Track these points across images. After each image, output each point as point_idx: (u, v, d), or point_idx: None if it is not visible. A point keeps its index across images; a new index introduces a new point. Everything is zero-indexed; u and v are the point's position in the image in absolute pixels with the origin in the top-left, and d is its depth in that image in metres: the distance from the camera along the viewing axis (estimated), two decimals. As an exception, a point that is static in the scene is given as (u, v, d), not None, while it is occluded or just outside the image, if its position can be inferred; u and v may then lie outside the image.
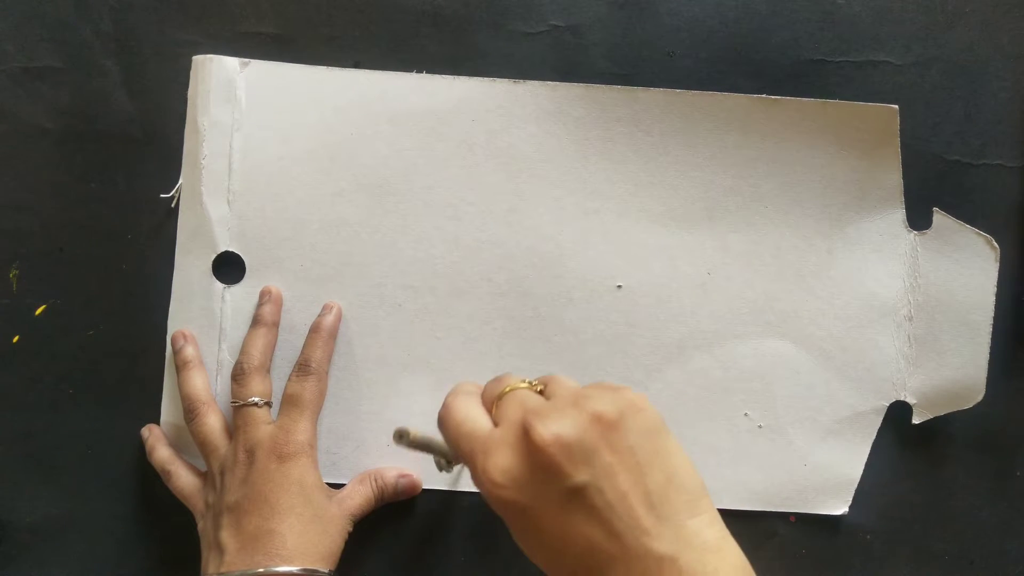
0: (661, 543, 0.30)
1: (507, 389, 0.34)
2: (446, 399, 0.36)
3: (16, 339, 0.47)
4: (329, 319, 0.45)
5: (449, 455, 0.37)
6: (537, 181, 0.47)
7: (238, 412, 0.43)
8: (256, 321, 0.45)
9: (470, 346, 0.46)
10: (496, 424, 0.33)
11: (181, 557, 0.46)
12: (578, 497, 0.30)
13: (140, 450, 0.46)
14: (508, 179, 0.47)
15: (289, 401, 0.43)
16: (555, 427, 0.31)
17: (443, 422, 0.35)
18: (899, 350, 0.46)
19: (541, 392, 0.35)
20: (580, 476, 0.30)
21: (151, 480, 0.46)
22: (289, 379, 0.44)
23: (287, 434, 0.42)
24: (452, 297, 0.46)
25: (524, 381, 0.35)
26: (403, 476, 0.45)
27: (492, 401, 0.35)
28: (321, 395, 0.44)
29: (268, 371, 0.45)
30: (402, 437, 0.35)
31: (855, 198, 0.47)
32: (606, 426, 0.31)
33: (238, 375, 0.44)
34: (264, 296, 0.46)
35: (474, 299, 0.46)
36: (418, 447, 0.37)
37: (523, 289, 0.46)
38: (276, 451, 0.41)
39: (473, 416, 0.34)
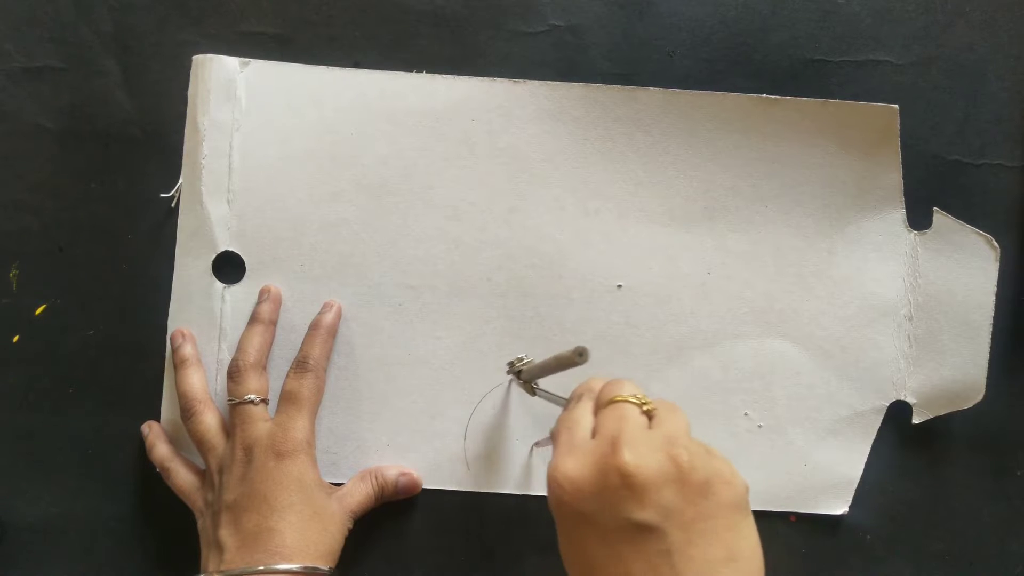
0: None
1: (616, 398, 0.35)
2: (574, 396, 0.37)
3: (16, 339, 0.47)
4: (329, 317, 0.45)
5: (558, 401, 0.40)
6: (537, 181, 0.47)
7: (235, 410, 0.43)
8: (253, 319, 0.45)
9: (470, 346, 0.46)
10: (595, 432, 0.34)
11: (181, 557, 0.46)
12: (638, 533, 0.31)
13: (140, 450, 0.46)
14: (508, 179, 0.47)
15: (287, 398, 0.43)
16: (641, 460, 0.31)
17: (564, 415, 0.36)
18: (899, 350, 0.46)
19: (648, 413, 0.34)
20: (648, 515, 0.31)
21: (151, 480, 0.46)
22: (287, 376, 0.44)
23: (285, 432, 0.42)
24: (452, 297, 0.46)
25: (637, 396, 0.35)
26: (403, 474, 0.45)
27: (601, 406, 0.35)
28: (319, 392, 0.44)
29: (264, 369, 0.45)
30: (519, 372, 0.39)
31: (855, 198, 0.47)
32: (691, 485, 0.31)
33: (234, 373, 0.44)
34: (263, 294, 0.46)
35: (474, 299, 0.46)
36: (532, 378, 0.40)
37: (523, 289, 0.46)
38: (274, 449, 0.41)
39: (578, 418, 0.35)
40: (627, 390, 0.35)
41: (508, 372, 0.43)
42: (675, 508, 0.31)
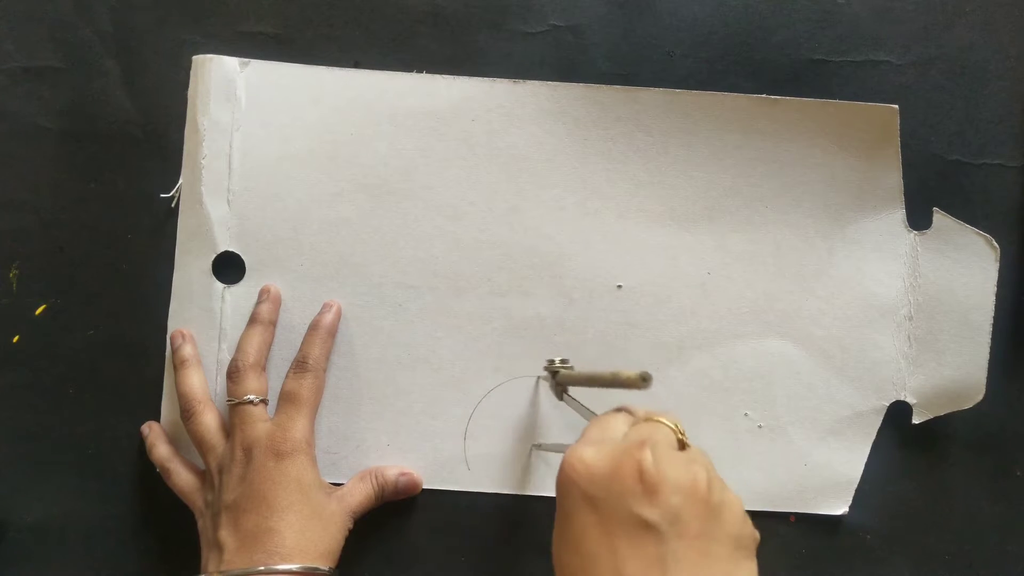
0: None
1: (657, 419, 0.35)
2: (614, 409, 0.37)
3: (16, 339, 0.47)
4: (328, 317, 0.45)
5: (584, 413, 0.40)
6: (537, 181, 0.47)
7: (234, 410, 0.43)
8: (252, 319, 0.45)
9: (470, 346, 0.46)
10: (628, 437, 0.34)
11: (181, 557, 0.46)
12: (640, 530, 0.31)
13: (140, 450, 0.46)
14: (508, 179, 0.47)
15: (286, 398, 0.43)
16: (661, 463, 0.31)
17: (601, 417, 0.36)
18: (899, 350, 0.46)
19: (681, 442, 0.35)
20: (654, 514, 0.31)
21: (151, 480, 0.46)
22: (286, 376, 0.44)
23: (284, 432, 0.42)
24: (452, 297, 0.46)
25: (676, 424, 0.35)
26: (404, 474, 0.45)
27: (639, 419, 0.35)
28: (319, 392, 0.44)
29: (264, 369, 0.45)
30: (555, 375, 0.39)
31: (855, 198, 0.47)
32: (704, 504, 0.31)
33: (233, 373, 0.44)
34: (262, 295, 0.46)
35: (474, 299, 0.46)
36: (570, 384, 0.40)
37: (523, 289, 0.46)
38: (273, 449, 0.41)
39: (613, 422, 0.35)
40: (669, 417, 0.35)
41: (545, 369, 0.42)
42: (682, 517, 0.31)
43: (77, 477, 0.47)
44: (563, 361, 0.42)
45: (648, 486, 0.31)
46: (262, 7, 0.47)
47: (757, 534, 0.33)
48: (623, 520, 0.31)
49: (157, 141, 0.47)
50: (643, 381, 0.34)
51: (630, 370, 0.35)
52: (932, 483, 0.47)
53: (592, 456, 0.32)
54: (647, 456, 0.31)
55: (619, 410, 0.36)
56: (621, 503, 0.31)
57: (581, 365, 0.46)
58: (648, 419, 0.35)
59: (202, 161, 0.46)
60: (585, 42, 0.47)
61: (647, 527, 0.30)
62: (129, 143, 0.47)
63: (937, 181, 0.47)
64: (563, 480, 0.33)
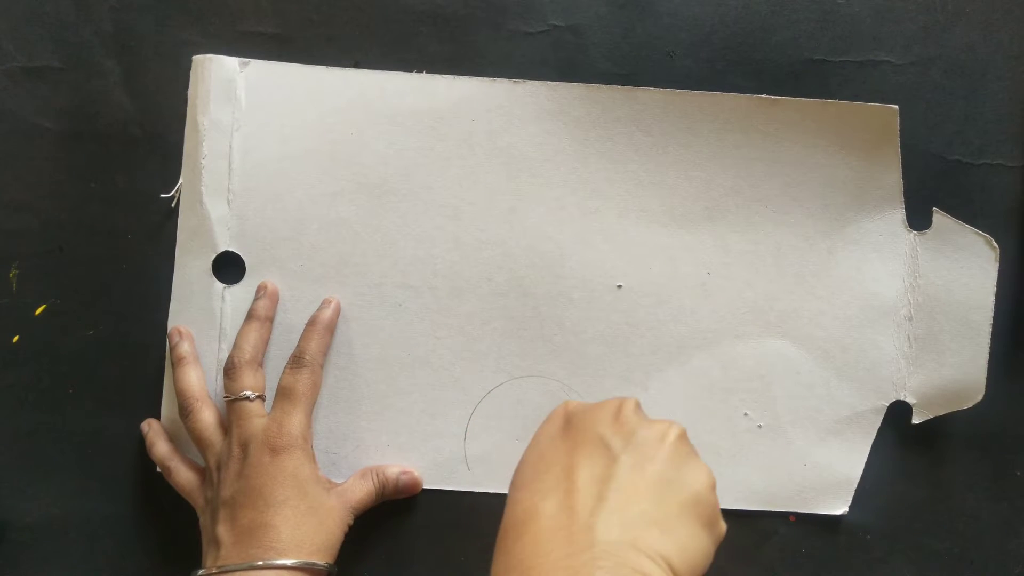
0: (601, 535, 0.30)
1: (629, 399, 0.37)
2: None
3: (16, 339, 0.47)
4: (327, 313, 0.45)
5: None
6: (537, 181, 0.47)
7: (231, 407, 0.43)
8: (249, 316, 0.45)
9: (470, 346, 0.46)
10: None
11: (181, 556, 0.46)
12: (598, 447, 0.33)
13: (140, 450, 0.46)
14: (508, 179, 0.47)
15: (282, 394, 0.43)
16: (639, 410, 0.35)
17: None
18: (899, 350, 0.46)
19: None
20: (613, 439, 0.33)
21: (151, 479, 0.46)
22: (283, 372, 0.44)
23: (280, 427, 0.42)
24: (452, 297, 0.46)
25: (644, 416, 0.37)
26: (404, 473, 0.45)
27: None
28: (315, 388, 0.44)
29: (261, 365, 0.45)
30: None
31: (855, 198, 0.47)
32: (664, 448, 0.33)
33: (229, 369, 0.44)
34: (260, 291, 0.46)
35: (474, 299, 0.46)
36: None
37: (523, 289, 0.46)
38: (269, 444, 0.41)
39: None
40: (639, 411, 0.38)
41: None
42: (639, 448, 0.33)
43: (77, 477, 0.47)
44: None
45: (619, 418, 0.34)
46: (262, 7, 0.47)
47: (723, 525, 0.34)
48: (587, 437, 0.34)
49: (157, 141, 0.47)
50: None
51: None
52: (932, 483, 0.47)
53: (572, 405, 0.36)
54: (629, 403, 0.35)
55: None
56: (592, 425, 0.34)
57: (582, 365, 0.46)
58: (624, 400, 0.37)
59: (202, 161, 0.46)
60: (585, 42, 0.47)
61: (606, 447, 0.33)
62: (129, 143, 0.47)
63: (937, 181, 0.47)
64: (554, 411, 0.36)
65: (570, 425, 0.35)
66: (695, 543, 0.32)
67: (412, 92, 0.46)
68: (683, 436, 0.34)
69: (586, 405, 0.36)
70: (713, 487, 0.34)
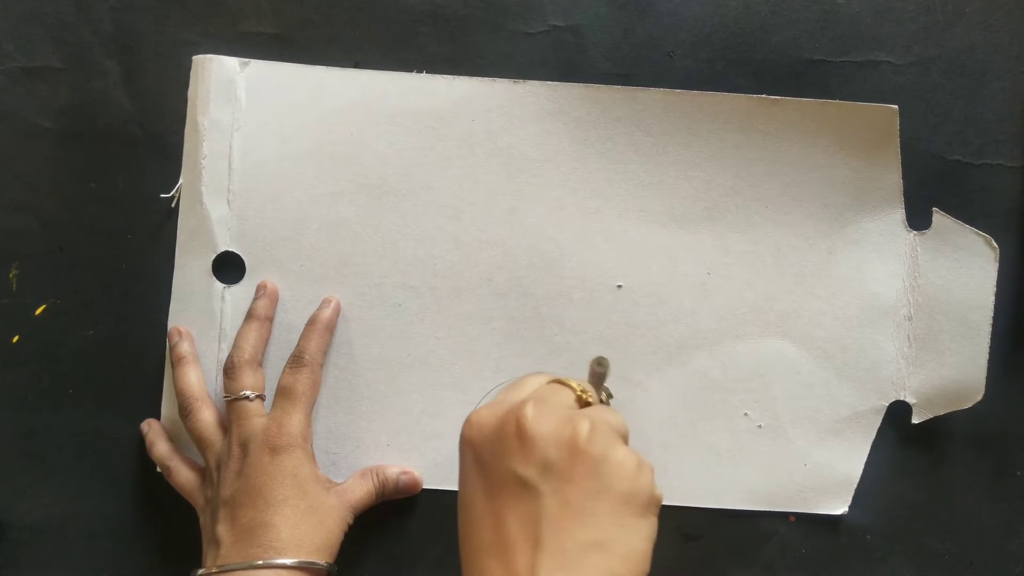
0: None
1: (562, 379, 0.35)
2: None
3: (16, 339, 0.47)
4: (327, 312, 0.45)
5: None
6: (537, 181, 0.47)
7: (231, 406, 0.43)
8: (249, 315, 0.45)
9: (470, 346, 0.46)
10: None
11: (181, 556, 0.46)
12: (517, 488, 0.31)
13: (140, 450, 0.46)
14: (508, 179, 0.47)
15: (282, 393, 0.43)
16: (541, 417, 0.31)
17: (515, 379, 0.36)
18: (899, 350, 0.46)
19: (582, 401, 0.34)
20: (528, 471, 0.30)
21: (151, 479, 0.46)
22: (283, 371, 0.44)
23: (279, 426, 0.42)
24: (452, 297, 0.46)
25: (581, 387, 0.35)
26: (405, 473, 0.45)
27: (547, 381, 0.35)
28: (315, 387, 0.44)
29: (260, 365, 0.45)
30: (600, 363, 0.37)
31: (855, 198, 0.47)
32: (581, 456, 0.31)
33: (228, 369, 0.44)
34: (259, 290, 0.46)
35: (474, 299, 0.46)
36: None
37: (523, 289, 0.46)
38: (269, 443, 0.41)
39: (522, 384, 0.35)
40: (576, 381, 0.35)
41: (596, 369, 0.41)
42: (557, 473, 0.30)
43: (77, 477, 0.47)
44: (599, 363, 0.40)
45: (525, 442, 0.31)
46: (262, 7, 0.47)
47: (659, 493, 0.32)
48: (504, 480, 0.31)
49: (157, 141, 0.47)
50: (599, 366, 0.36)
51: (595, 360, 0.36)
52: (932, 483, 0.47)
53: (486, 415, 0.33)
54: (527, 412, 0.31)
55: (537, 374, 0.36)
56: (502, 462, 0.31)
57: (582, 365, 0.46)
58: (556, 380, 0.35)
59: (202, 161, 0.46)
60: (585, 42, 0.47)
61: (524, 484, 0.30)
62: (129, 143, 0.47)
63: (937, 181, 0.47)
64: (460, 441, 0.33)
65: (481, 464, 0.32)
66: (636, 538, 0.31)
67: (412, 92, 0.46)
68: (593, 429, 0.31)
69: (486, 429, 0.32)
70: (638, 465, 0.32)
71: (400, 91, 0.46)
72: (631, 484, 0.31)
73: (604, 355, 0.37)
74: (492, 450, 0.32)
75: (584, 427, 0.31)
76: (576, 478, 0.30)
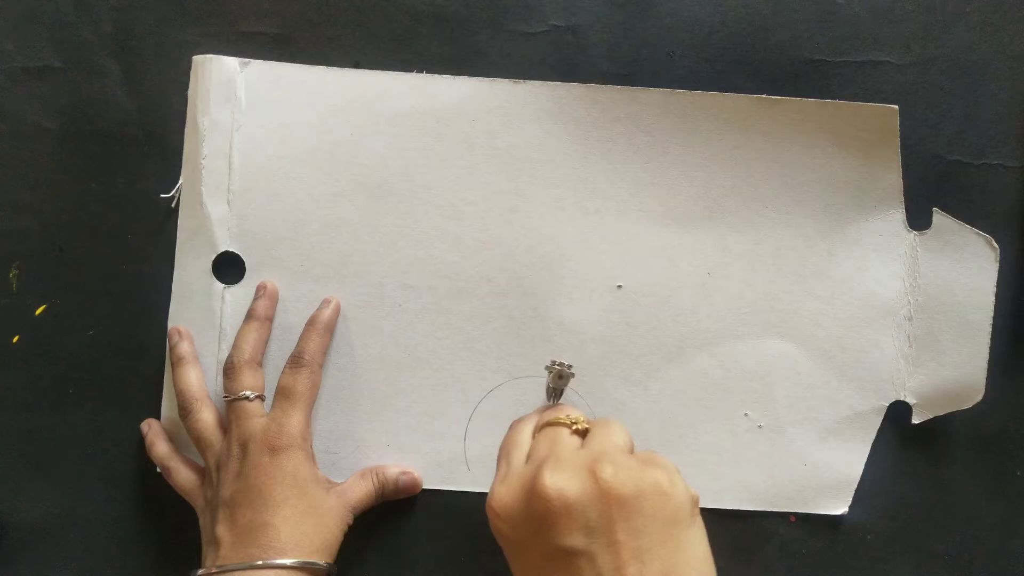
0: None
1: (551, 421, 0.35)
2: (516, 421, 0.38)
3: (16, 339, 0.47)
4: (326, 313, 0.45)
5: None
6: (537, 181, 0.47)
7: (230, 406, 0.43)
8: (249, 316, 0.45)
9: (470, 346, 0.46)
10: (529, 456, 0.35)
11: (181, 556, 0.46)
12: (568, 557, 0.30)
13: (140, 450, 0.46)
14: (508, 179, 0.47)
15: (281, 393, 0.43)
16: (563, 483, 0.31)
17: (506, 438, 0.37)
18: (899, 350, 0.46)
19: (580, 432, 0.35)
20: (574, 540, 0.30)
21: (151, 479, 0.46)
22: (283, 372, 0.44)
23: (279, 427, 0.42)
24: (452, 297, 0.46)
25: (572, 419, 0.35)
26: (404, 473, 0.45)
27: (537, 430, 0.36)
28: (314, 387, 0.44)
29: (260, 365, 0.45)
30: (560, 376, 0.39)
31: (855, 198, 0.47)
32: (617, 502, 0.31)
33: (228, 369, 0.44)
34: (259, 291, 0.46)
35: (474, 299, 0.46)
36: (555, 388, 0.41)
37: (523, 289, 0.46)
38: (268, 444, 0.41)
39: (516, 441, 0.36)
40: (563, 413, 0.36)
41: (551, 369, 0.42)
42: (601, 529, 0.30)
43: (77, 477, 0.47)
44: (567, 366, 0.41)
45: (560, 515, 0.30)
46: (262, 7, 0.47)
47: (695, 493, 0.32)
48: (550, 554, 0.31)
49: (157, 141, 0.47)
50: (559, 379, 0.38)
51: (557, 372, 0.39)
52: (932, 483, 0.47)
53: (506, 496, 0.33)
54: (548, 483, 0.31)
55: (521, 420, 0.37)
56: (542, 540, 0.31)
57: (582, 365, 0.46)
58: (545, 424, 0.36)
59: (202, 161, 0.46)
60: (585, 42, 0.47)
61: (572, 553, 0.30)
62: (129, 143, 0.47)
63: (937, 181, 0.47)
64: (492, 529, 0.33)
65: (523, 547, 0.32)
66: (693, 548, 0.31)
67: (412, 92, 0.46)
68: (615, 468, 0.31)
69: (513, 512, 0.32)
70: (669, 481, 0.31)
71: (400, 91, 0.46)
72: (671, 503, 0.31)
73: (563, 360, 0.39)
74: (528, 531, 0.31)
75: (607, 472, 0.31)
76: (620, 524, 0.30)
